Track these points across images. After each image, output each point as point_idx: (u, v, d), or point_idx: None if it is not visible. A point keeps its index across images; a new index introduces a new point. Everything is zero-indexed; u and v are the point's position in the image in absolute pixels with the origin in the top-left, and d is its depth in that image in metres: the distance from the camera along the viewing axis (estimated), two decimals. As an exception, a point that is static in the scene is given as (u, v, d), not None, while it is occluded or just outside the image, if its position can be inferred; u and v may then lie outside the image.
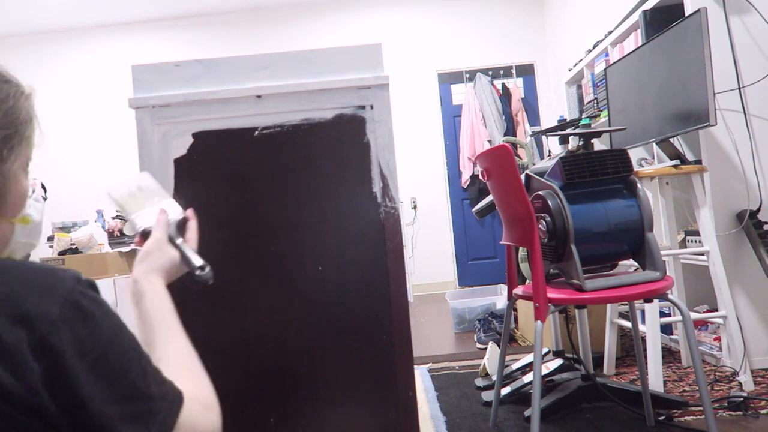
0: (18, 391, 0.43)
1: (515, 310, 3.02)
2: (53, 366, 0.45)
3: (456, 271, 4.98)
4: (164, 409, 0.51)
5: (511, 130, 4.83)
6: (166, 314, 0.66)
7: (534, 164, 2.63)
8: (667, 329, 2.38)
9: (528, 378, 1.99)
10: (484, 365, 2.22)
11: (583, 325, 1.93)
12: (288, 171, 1.05)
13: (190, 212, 0.84)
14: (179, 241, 0.77)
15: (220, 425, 0.58)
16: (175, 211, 0.81)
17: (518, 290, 1.59)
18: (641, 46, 2.23)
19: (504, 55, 5.01)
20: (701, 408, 1.70)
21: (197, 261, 0.75)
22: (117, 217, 3.67)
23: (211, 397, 0.59)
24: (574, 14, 4.26)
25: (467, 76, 4.99)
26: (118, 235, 3.59)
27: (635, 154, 2.82)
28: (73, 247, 2.90)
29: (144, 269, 0.70)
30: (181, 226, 0.81)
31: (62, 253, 2.88)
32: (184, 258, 0.75)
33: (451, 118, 5.07)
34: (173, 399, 0.53)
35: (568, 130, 2.56)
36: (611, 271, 1.59)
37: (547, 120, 4.93)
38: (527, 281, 2.46)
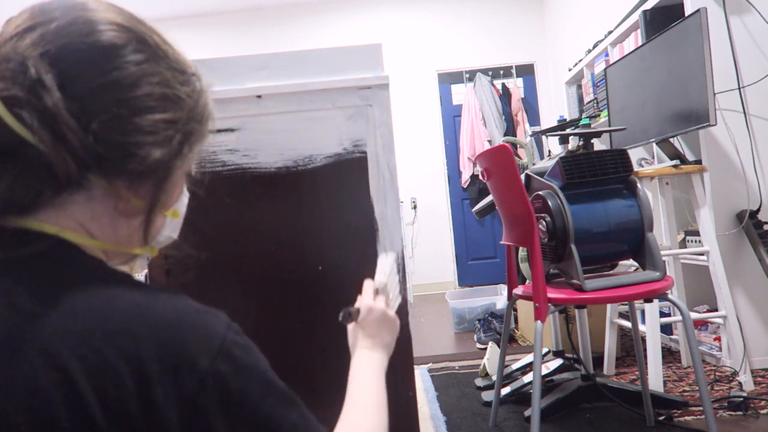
0: None
1: (515, 310, 3.02)
2: (198, 425, 0.42)
3: (456, 271, 4.98)
4: None
5: (511, 130, 4.83)
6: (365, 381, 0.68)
7: (534, 164, 2.63)
8: (667, 329, 2.38)
9: (528, 378, 1.99)
10: (484, 365, 2.22)
11: (583, 325, 1.93)
12: (288, 170, 1.05)
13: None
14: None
15: None
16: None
17: (518, 290, 1.59)
18: (641, 46, 2.23)
19: (504, 55, 5.01)
20: (701, 408, 1.69)
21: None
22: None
23: None
24: (574, 14, 4.26)
25: (467, 76, 4.99)
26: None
27: (635, 154, 2.82)
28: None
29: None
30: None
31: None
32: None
33: (451, 118, 5.06)
34: None
35: (568, 130, 2.56)
36: (611, 271, 1.59)
37: (547, 120, 4.93)
38: (527, 281, 2.46)
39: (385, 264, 0.86)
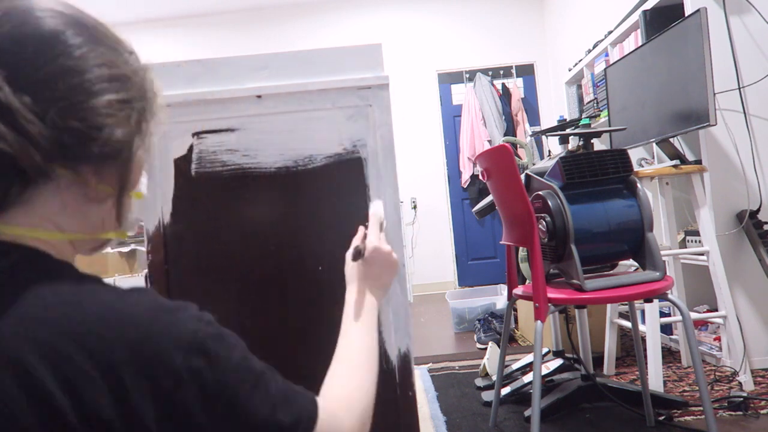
0: None
1: (515, 310, 3.02)
2: (177, 420, 0.42)
3: (456, 271, 4.98)
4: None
5: (511, 130, 4.83)
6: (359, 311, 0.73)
7: (534, 164, 2.63)
8: (667, 329, 2.38)
9: (528, 378, 1.99)
10: (484, 365, 2.22)
11: (583, 325, 1.93)
12: (288, 170, 1.05)
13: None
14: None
15: (363, 421, 0.59)
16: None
17: (518, 290, 1.59)
18: (641, 46, 2.23)
19: (504, 55, 5.01)
20: (701, 408, 1.69)
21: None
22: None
23: (356, 398, 0.61)
24: (574, 14, 4.26)
25: (467, 76, 4.99)
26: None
27: (635, 154, 2.82)
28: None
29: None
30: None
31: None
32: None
33: (451, 118, 5.06)
34: (304, 417, 0.50)
35: (568, 130, 2.56)
36: (611, 271, 1.59)
37: (547, 120, 4.93)
38: (527, 281, 2.46)
39: (379, 205, 0.91)
